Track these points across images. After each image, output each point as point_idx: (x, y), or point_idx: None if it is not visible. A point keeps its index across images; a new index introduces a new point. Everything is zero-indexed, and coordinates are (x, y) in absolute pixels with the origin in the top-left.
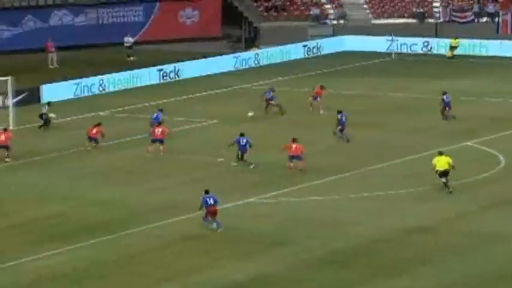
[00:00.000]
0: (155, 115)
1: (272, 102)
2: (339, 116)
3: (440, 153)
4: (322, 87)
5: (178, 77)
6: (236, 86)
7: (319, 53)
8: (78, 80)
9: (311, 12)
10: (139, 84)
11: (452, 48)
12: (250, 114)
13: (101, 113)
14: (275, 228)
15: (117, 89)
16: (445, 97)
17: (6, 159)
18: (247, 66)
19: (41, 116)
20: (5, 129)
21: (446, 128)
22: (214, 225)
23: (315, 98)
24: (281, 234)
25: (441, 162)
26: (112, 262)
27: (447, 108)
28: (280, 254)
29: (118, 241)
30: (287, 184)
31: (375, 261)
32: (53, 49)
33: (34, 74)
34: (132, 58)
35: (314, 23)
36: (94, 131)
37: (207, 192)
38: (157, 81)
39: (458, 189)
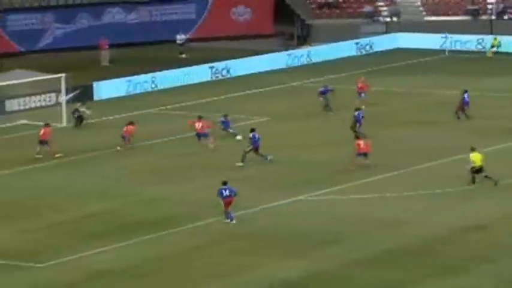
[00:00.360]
0: (221, 119)
1: (321, 98)
2: (356, 114)
3: (473, 149)
4: (363, 81)
5: (229, 74)
6: (288, 84)
7: (371, 51)
8: (130, 78)
9: (364, 10)
10: (190, 82)
11: (493, 47)
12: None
13: (152, 110)
14: (326, 226)
15: (168, 86)
16: (465, 95)
17: (56, 155)
18: (299, 64)
19: (73, 112)
20: (46, 125)
21: (495, 126)
22: (228, 219)
23: (359, 94)
24: (332, 232)
25: (476, 158)
26: (163, 259)
27: (465, 107)
28: (331, 253)
29: (166, 239)
30: (337, 182)
31: (429, 260)
32: (106, 46)
33: (86, 72)
34: (184, 55)
35: (367, 20)
36: (125, 129)
37: (224, 183)
38: (209, 79)
39: (506, 188)
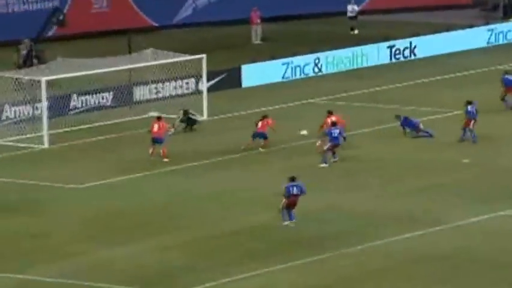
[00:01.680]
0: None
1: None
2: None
3: None
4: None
5: (414, 55)
6: (489, 67)
7: None
8: (288, 59)
9: None
10: (364, 65)
11: None
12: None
13: (313, 101)
14: None
15: (336, 70)
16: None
17: (164, 159)
18: (505, 42)
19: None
20: (159, 118)
21: None
22: (289, 222)
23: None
24: None
25: None
26: (328, 287)
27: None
28: None
29: (333, 261)
30: None
31: None
32: (258, 20)
33: (234, 52)
34: (356, 31)
35: None
36: (260, 124)
37: (292, 179)
38: (388, 61)
39: None
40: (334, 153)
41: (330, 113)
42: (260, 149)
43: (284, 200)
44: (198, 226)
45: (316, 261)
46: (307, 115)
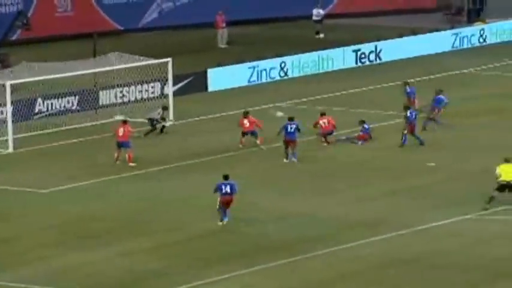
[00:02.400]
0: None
1: None
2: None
3: (508, 161)
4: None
5: (379, 59)
6: (456, 71)
7: None
8: (254, 63)
9: None
10: (330, 69)
11: None
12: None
13: (279, 104)
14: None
15: (302, 74)
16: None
17: (130, 164)
18: (469, 46)
19: (151, 120)
20: (125, 122)
21: None
22: (225, 220)
23: None
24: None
25: (508, 171)
26: None
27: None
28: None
29: (302, 264)
30: None
31: None
32: (223, 24)
33: (200, 56)
34: (321, 35)
35: None
36: (247, 123)
37: (225, 177)
38: (353, 65)
39: None
40: (291, 152)
41: (323, 114)
42: (262, 147)
43: (219, 198)
44: (166, 231)
45: (285, 265)
46: (273, 118)
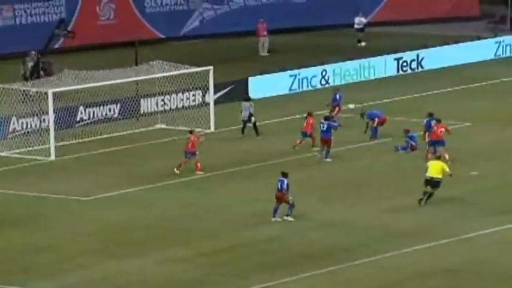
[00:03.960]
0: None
1: None
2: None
3: (438, 158)
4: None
5: (421, 67)
6: (497, 79)
7: None
8: (295, 71)
9: None
10: (371, 77)
11: None
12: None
13: (320, 112)
14: None
15: (343, 82)
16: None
17: (198, 172)
18: None
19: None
20: (191, 132)
21: None
22: (275, 217)
23: None
24: None
25: (434, 168)
26: None
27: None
28: None
29: (342, 273)
30: None
31: None
32: (265, 33)
33: (240, 63)
34: (363, 44)
35: None
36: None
37: (283, 174)
38: (395, 73)
39: None
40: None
41: (310, 114)
42: (314, 149)
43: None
44: (207, 238)
45: (326, 273)
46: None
